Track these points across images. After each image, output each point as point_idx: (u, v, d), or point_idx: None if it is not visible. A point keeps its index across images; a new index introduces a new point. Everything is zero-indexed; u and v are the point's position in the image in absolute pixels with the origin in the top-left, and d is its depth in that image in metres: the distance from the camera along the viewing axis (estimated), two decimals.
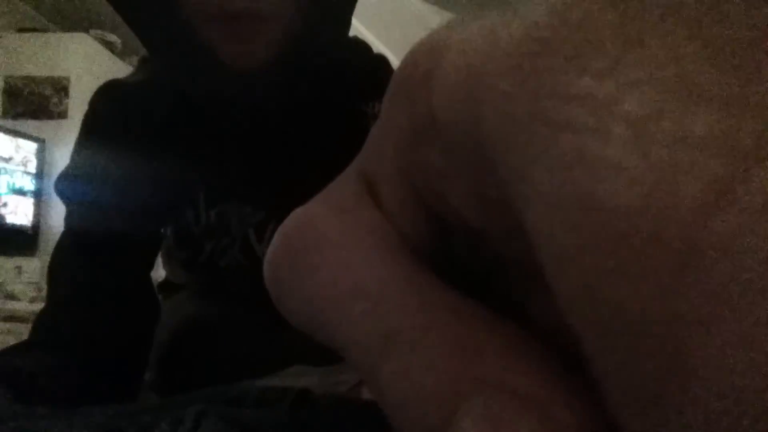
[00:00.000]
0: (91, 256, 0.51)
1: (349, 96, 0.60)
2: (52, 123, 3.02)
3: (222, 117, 0.57)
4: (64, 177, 0.56)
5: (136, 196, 0.53)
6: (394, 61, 0.63)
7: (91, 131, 0.56)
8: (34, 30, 3.20)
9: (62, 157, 3.02)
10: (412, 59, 0.09)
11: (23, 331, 0.89)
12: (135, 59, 3.73)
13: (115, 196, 0.52)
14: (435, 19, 2.52)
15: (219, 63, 0.48)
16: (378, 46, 0.82)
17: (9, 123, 2.88)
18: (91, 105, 0.56)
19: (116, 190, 0.52)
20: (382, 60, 0.66)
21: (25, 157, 2.83)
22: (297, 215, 0.10)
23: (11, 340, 0.82)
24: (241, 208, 0.57)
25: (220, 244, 0.58)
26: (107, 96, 0.57)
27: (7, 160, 2.73)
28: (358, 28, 1.07)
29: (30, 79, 3.02)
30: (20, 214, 2.80)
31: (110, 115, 0.56)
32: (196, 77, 0.53)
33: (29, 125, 2.94)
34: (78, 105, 3.05)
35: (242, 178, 0.58)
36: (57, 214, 2.99)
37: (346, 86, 0.61)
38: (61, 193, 0.55)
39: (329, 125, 0.59)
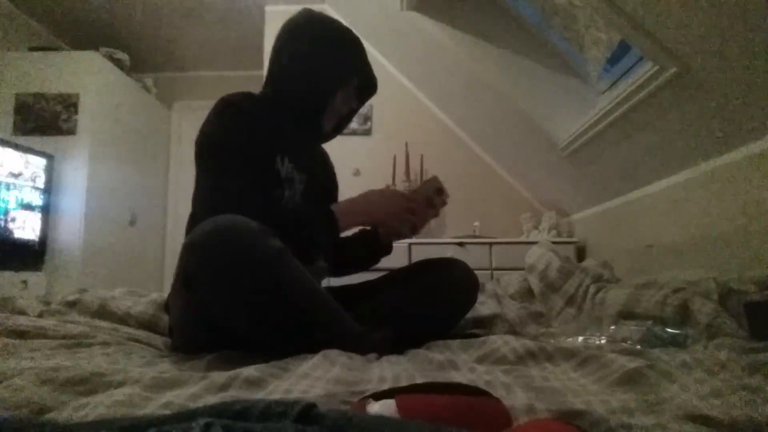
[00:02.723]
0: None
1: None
2: (61, 139, 3.06)
3: (301, 125, 1.17)
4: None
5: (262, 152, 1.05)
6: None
7: (235, 113, 1.05)
8: (45, 48, 3.27)
9: (70, 173, 3.05)
10: None
11: (29, 346, 0.89)
12: (142, 76, 3.81)
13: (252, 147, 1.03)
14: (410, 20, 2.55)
15: (321, 126, 1.19)
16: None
17: (19, 139, 2.92)
18: (230, 104, 1.05)
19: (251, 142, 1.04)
20: None
21: (34, 172, 2.86)
22: None
23: (17, 355, 0.82)
24: (299, 173, 1.11)
25: (288, 192, 1.07)
26: (236, 104, 1.06)
27: (17, 175, 2.76)
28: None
29: (40, 96, 3.08)
30: (27, 228, 2.83)
31: (242, 111, 1.05)
32: (303, 118, 1.14)
33: (39, 141, 2.99)
34: (87, 121, 3.10)
35: (302, 154, 1.14)
36: (64, 229, 3.01)
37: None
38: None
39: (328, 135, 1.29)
